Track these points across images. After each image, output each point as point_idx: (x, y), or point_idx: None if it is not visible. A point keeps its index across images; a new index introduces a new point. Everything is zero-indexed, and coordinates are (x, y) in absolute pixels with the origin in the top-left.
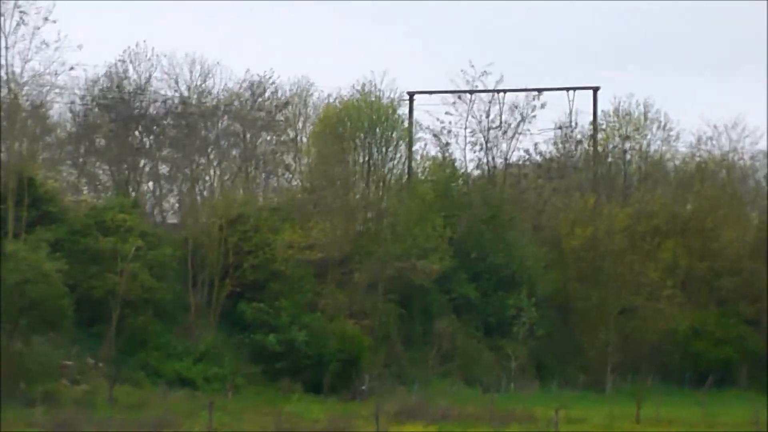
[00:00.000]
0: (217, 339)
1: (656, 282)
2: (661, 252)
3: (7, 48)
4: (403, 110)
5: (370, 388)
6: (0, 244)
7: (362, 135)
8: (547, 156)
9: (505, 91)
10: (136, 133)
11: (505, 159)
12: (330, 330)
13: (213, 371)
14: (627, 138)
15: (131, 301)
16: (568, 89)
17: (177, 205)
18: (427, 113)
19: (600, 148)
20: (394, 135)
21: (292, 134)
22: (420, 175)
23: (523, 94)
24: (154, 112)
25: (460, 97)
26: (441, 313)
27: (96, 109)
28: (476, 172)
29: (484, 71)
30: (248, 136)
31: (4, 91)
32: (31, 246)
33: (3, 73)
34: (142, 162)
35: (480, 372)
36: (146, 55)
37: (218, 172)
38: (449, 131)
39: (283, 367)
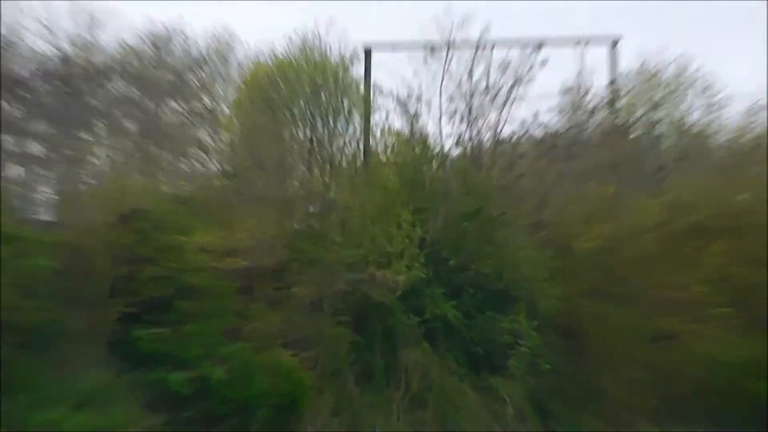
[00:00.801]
0: (104, 377)
1: (700, 298)
2: (706, 257)
3: None
4: (358, 70)
5: None
6: None
7: (302, 103)
8: (551, 130)
9: (493, 43)
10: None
11: (495, 134)
12: (258, 364)
13: (99, 421)
14: (657, 105)
15: None
16: (578, 41)
17: (53, 196)
18: (390, 74)
19: (621, 119)
20: (345, 103)
21: (208, 102)
22: (381, 155)
23: (518, 48)
24: (24, 73)
25: (433, 52)
26: (409, 340)
27: None
28: (456, 151)
29: (465, 18)
30: (149, 104)
31: None
32: None
33: None
34: (5, 139)
35: (463, 420)
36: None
37: (109, 153)
38: (419, 97)
39: (195, 415)
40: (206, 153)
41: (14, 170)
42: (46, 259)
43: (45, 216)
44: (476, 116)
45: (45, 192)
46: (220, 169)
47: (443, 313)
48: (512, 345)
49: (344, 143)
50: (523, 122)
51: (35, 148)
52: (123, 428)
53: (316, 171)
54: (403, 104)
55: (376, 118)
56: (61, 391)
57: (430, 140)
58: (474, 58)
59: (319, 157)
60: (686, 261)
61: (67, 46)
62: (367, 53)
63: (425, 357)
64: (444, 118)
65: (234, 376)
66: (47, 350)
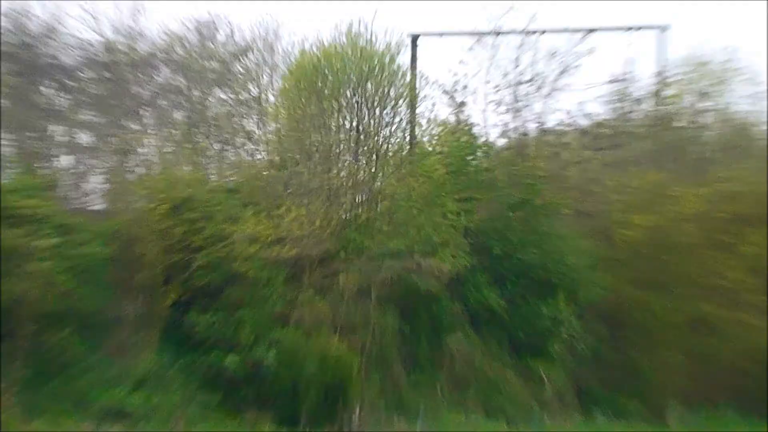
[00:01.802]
0: (160, 360)
1: (738, 285)
2: (746, 246)
3: None
4: (404, 59)
5: (362, 422)
6: None
7: (349, 92)
8: (597, 119)
9: (540, 32)
10: (45, 89)
11: (540, 123)
12: (308, 348)
13: (156, 401)
14: (704, 95)
15: (46, 313)
16: (624, 29)
17: (103, 185)
18: (437, 63)
19: (667, 109)
20: (391, 92)
21: (254, 91)
22: (427, 145)
23: (564, 36)
24: (69, 61)
25: (479, 41)
26: (454, 326)
27: None
28: (501, 141)
29: (512, 6)
30: (196, 93)
31: None
32: None
33: None
34: (54, 129)
35: (505, 401)
36: None
37: (156, 142)
38: (465, 87)
39: (248, 395)
40: (253, 142)
41: (64, 160)
42: (100, 247)
43: (96, 205)
44: (522, 106)
45: (95, 181)
46: (268, 158)
47: (487, 301)
48: (553, 330)
49: (390, 133)
50: (569, 112)
51: (83, 137)
52: (179, 407)
53: (362, 160)
54: (449, 94)
55: (423, 108)
56: (120, 373)
57: (476, 130)
58: (520, 47)
59: (365, 147)
60: (726, 249)
61: (110, 34)
62: (413, 41)
63: (469, 342)
64: (490, 108)
65: (285, 359)
66: (105, 335)
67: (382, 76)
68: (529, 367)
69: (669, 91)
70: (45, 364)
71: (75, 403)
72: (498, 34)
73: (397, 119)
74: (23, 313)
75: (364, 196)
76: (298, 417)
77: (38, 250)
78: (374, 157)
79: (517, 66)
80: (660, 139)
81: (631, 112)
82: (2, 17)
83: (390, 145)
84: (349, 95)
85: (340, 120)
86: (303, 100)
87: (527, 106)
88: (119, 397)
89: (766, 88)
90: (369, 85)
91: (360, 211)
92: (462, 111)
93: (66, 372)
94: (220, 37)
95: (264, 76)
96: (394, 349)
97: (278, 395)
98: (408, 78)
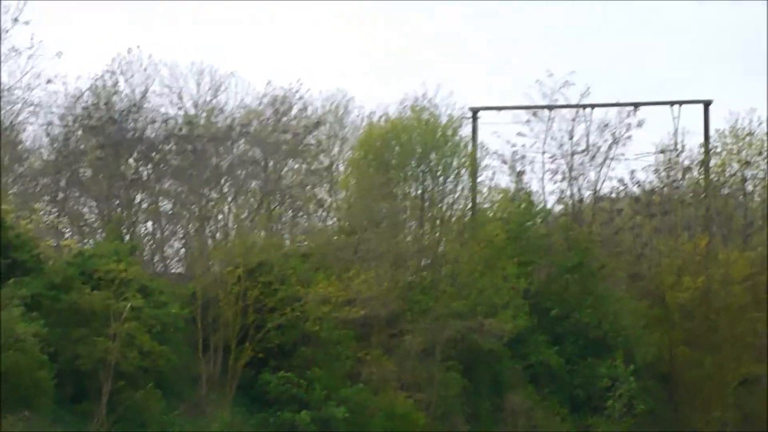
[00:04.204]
0: (234, 418)
1: None
2: None
3: None
4: (466, 131)
5: None
6: None
7: (414, 162)
8: (647, 187)
9: (592, 106)
10: (130, 161)
11: (594, 191)
12: (375, 405)
13: None
14: (747, 164)
15: (127, 372)
16: (671, 103)
17: (183, 250)
18: (496, 135)
19: (714, 177)
20: (454, 162)
21: (325, 162)
22: (487, 211)
23: (616, 110)
24: (153, 134)
25: (536, 114)
26: (515, 384)
27: (79, 132)
28: (558, 208)
29: (566, 82)
30: (271, 164)
31: None
32: (1, 304)
33: None
34: (138, 197)
35: None
36: (141, 65)
37: (234, 209)
38: (523, 157)
39: None
40: (324, 210)
41: (146, 226)
42: (179, 309)
43: (176, 269)
44: (577, 175)
45: (175, 246)
46: (338, 225)
47: (546, 359)
48: (611, 388)
49: (453, 200)
50: (621, 180)
51: (165, 205)
52: None
53: (426, 226)
54: (507, 164)
55: (483, 177)
56: (196, 430)
57: (534, 197)
58: (574, 120)
59: (429, 214)
60: None
61: (191, 108)
62: (474, 114)
63: (530, 399)
64: (546, 177)
65: (354, 416)
66: (182, 393)
67: (445, 146)
68: (589, 424)
69: (715, 161)
70: (124, 422)
71: None
72: (553, 107)
73: (459, 187)
74: (105, 372)
75: (428, 260)
76: None
77: (121, 312)
78: (438, 223)
79: (571, 137)
80: (708, 206)
81: (680, 180)
82: (91, 93)
83: (453, 212)
84: (414, 165)
85: (406, 188)
86: (371, 169)
87: (582, 174)
88: None
89: None
90: (433, 155)
91: (425, 274)
92: (521, 180)
93: (144, 429)
94: (294, 111)
95: (334, 147)
96: (457, 406)
97: None
98: (469, 148)
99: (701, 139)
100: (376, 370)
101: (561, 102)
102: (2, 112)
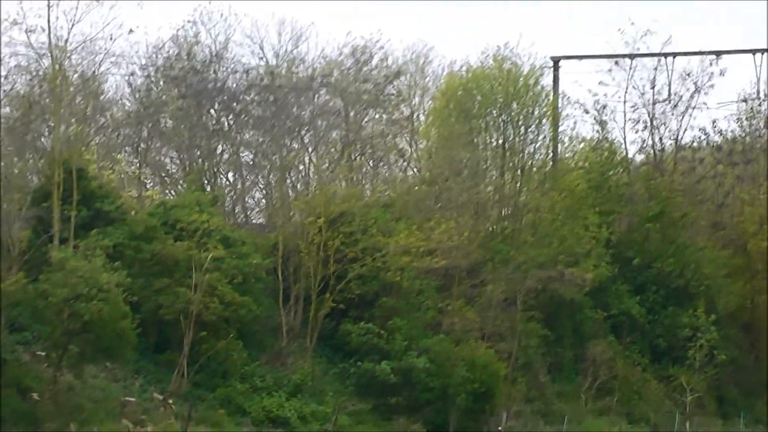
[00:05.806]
0: (315, 368)
1: None
2: None
3: (49, 6)
4: (547, 80)
5: (509, 428)
6: (45, 251)
7: (495, 111)
8: (729, 136)
9: (674, 54)
10: (212, 111)
11: (676, 140)
12: (457, 356)
13: (311, 408)
14: None
15: (209, 322)
16: (754, 51)
17: (264, 201)
18: (577, 84)
19: None
20: (535, 111)
21: (406, 111)
22: (569, 161)
23: (698, 58)
24: (234, 85)
25: (617, 63)
26: (596, 334)
27: (161, 83)
28: (639, 157)
29: (647, 30)
30: (351, 114)
31: (47, 60)
32: (83, 253)
33: (45, 38)
34: (219, 147)
35: (646, 408)
36: (222, 15)
37: (315, 160)
38: (604, 106)
39: (399, 401)
40: (405, 160)
41: (228, 177)
42: (260, 259)
43: (257, 219)
44: (659, 124)
45: (256, 197)
46: (419, 175)
47: (628, 309)
48: (692, 338)
49: (534, 149)
50: (702, 129)
51: (246, 156)
52: (333, 414)
53: (507, 176)
54: (589, 113)
55: (564, 126)
56: (277, 380)
57: (615, 147)
58: (656, 69)
59: (511, 163)
60: None
61: (272, 59)
62: (555, 64)
63: (611, 349)
64: (628, 126)
65: (435, 366)
66: (263, 343)
67: (526, 96)
68: (670, 374)
69: None
70: (204, 373)
71: (233, 410)
72: (635, 56)
73: (540, 137)
74: (186, 322)
75: (509, 209)
76: (447, 422)
77: (204, 262)
78: (519, 172)
79: (653, 86)
80: None
81: (762, 128)
82: (172, 44)
83: (534, 161)
84: (495, 114)
85: (487, 138)
86: (452, 119)
87: (663, 123)
88: (275, 404)
89: None
90: (514, 104)
91: (506, 223)
92: (602, 129)
93: (224, 380)
94: (374, 61)
95: (415, 97)
96: (539, 356)
97: (428, 401)
98: (551, 98)
99: None
100: (458, 320)
101: (642, 51)
102: (84, 62)
